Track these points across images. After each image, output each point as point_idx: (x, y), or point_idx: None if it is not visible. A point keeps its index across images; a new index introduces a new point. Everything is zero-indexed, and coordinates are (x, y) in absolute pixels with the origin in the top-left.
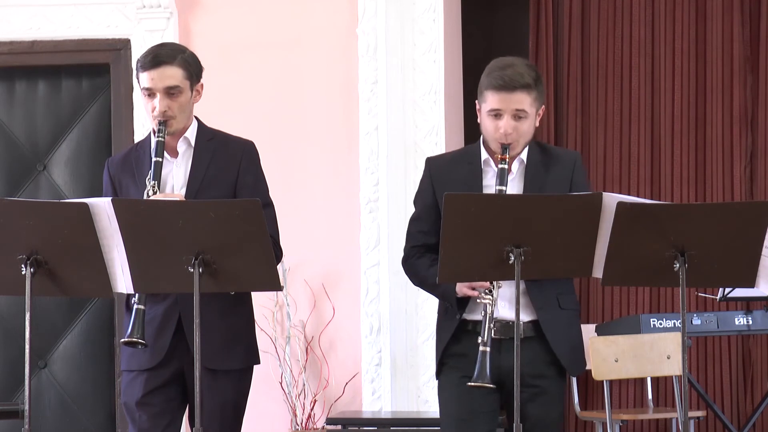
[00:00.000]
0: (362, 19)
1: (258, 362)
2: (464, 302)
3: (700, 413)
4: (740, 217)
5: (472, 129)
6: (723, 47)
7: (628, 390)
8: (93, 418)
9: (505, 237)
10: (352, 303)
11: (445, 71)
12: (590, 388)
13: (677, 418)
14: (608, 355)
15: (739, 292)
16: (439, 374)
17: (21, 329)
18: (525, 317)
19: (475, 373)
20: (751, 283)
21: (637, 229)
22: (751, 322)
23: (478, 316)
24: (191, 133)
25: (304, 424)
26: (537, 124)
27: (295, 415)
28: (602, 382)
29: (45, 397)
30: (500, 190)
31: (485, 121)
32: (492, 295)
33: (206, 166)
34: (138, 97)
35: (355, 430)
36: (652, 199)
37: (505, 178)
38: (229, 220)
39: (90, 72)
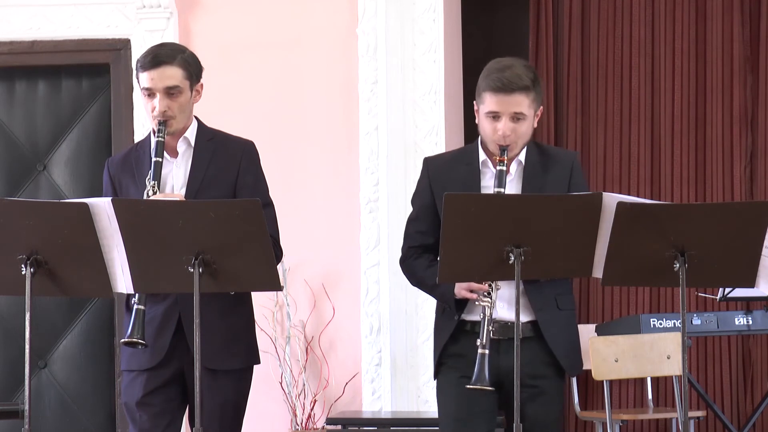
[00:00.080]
0: (362, 19)
1: (258, 362)
2: (462, 303)
3: (700, 413)
4: (740, 217)
5: (472, 129)
6: (723, 47)
7: (628, 390)
8: (93, 418)
9: (505, 237)
10: (352, 303)
11: (445, 71)
12: (590, 388)
13: (677, 418)
14: (608, 355)
15: (739, 292)
16: (437, 374)
17: (21, 329)
18: (524, 318)
19: (474, 375)
20: (751, 283)
21: (637, 229)
22: (751, 322)
23: (476, 317)
24: (191, 133)
25: (304, 424)
26: (535, 125)
27: (295, 415)
28: (602, 382)
29: (45, 397)
30: (498, 192)
31: (483, 123)
32: (491, 298)
33: (206, 166)
34: (138, 97)
35: (355, 430)
36: (652, 199)
37: (503, 180)
38: (229, 220)
39: (90, 72)
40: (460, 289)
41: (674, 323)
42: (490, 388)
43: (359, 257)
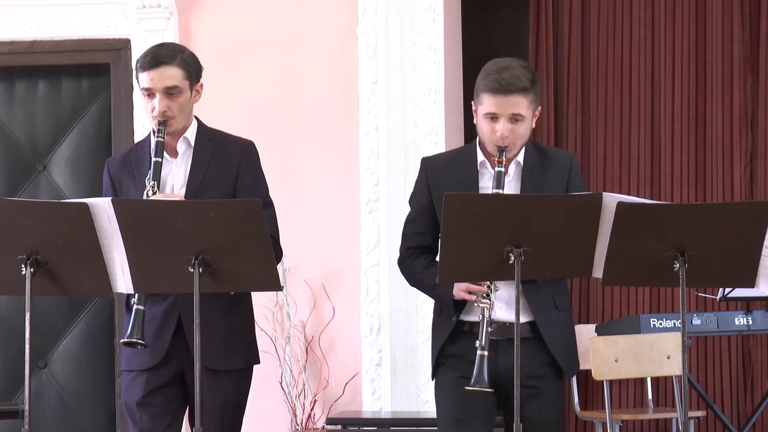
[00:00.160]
0: (362, 19)
1: (258, 362)
2: (461, 304)
3: (700, 413)
4: (740, 217)
5: (472, 129)
6: (723, 47)
7: (628, 390)
8: (93, 418)
9: (505, 237)
10: (352, 303)
11: (445, 71)
12: (590, 388)
13: (677, 418)
14: (608, 355)
15: (739, 292)
16: (435, 375)
17: (21, 329)
18: (522, 318)
19: (474, 377)
20: (751, 283)
21: (637, 229)
22: (751, 322)
23: (474, 317)
24: (191, 133)
25: (304, 424)
26: (533, 126)
27: (295, 415)
28: (602, 382)
29: (45, 397)
30: (493, 193)
31: (481, 124)
32: (489, 299)
33: (206, 166)
34: (138, 97)
35: (355, 430)
36: (652, 199)
37: (501, 181)
38: (229, 220)
39: (90, 72)
40: (459, 291)
41: (674, 323)
42: (489, 390)
43: (359, 257)
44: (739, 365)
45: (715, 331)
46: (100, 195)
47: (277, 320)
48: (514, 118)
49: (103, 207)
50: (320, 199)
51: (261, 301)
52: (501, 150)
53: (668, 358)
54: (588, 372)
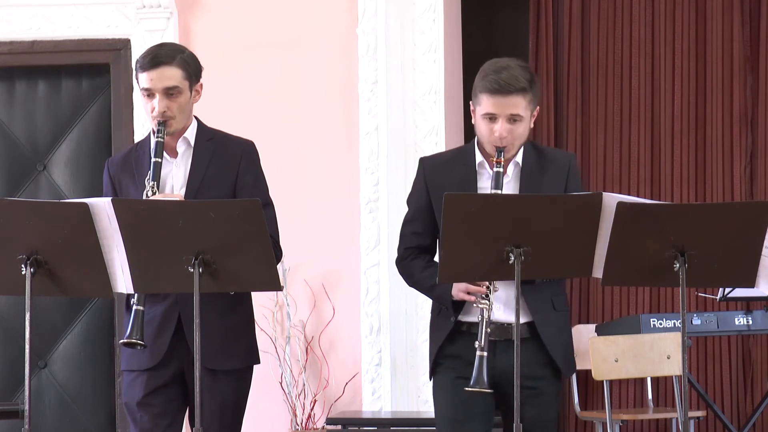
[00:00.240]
0: (362, 19)
1: (258, 362)
2: (459, 305)
3: (700, 413)
4: (740, 217)
5: (471, 129)
6: (723, 47)
7: (628, 390)
8: (93, 418)
9: (505, 237)
10: (352, 303)
11: (445, 71)
12: (590, 388)
13: (677, 418)
14: (608, 355)
15: (739, 292)
16: (433, 375)
17: (21, 329)
18: (521, 319)
19: (473, 378)
20: (751, 283)
21: (637, 229)
22: (751, 322)
23: (472, 318)
24: (191, 133)
25: (304, 424)
26: (532, 126)
27: (295, 415)
28: (602, 382)
29: (45, 397)
30: (494, 193)
31: (480, 124)
32: (488, 300)
33: (206, 166)
34: (138, 97)
35: (355, 430)
36: (652, 199)
37: (500, 182)
38: (229, 220)
39: (90, 72)
40: (458, 291)
41: (674, 323)
42: (489, 391)
43: (359, 257)
44: (739, 365)
45: (715, 331)
46: (100, 195)
47: (277, 320)
48: (513, 119)
49: (103, 207)
50: (320, 199)
51: (261, 301)
52: (499, 150)
53: (668, 358)
54: (588, 372)
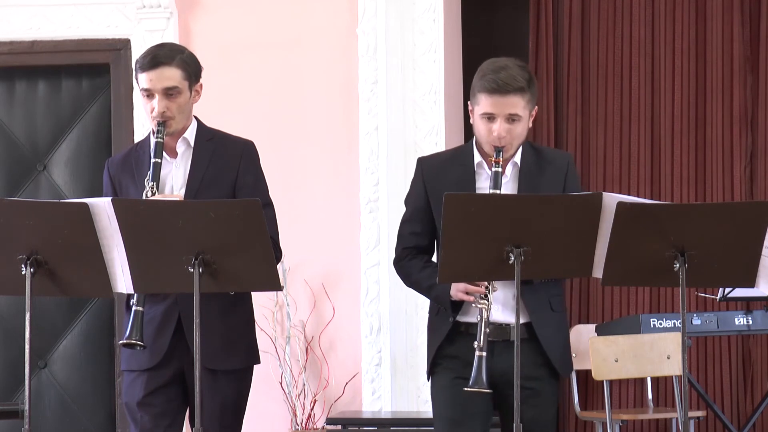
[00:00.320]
0: (362, 19)
1: (258, 362)
2: (458, 305)
3: (700, 413)
4: (740, 217)
5: (471, 129)
6: (723, 47)
7: (628, 390)
8: (93, 418)
9: (505, 237)
10: (352, 303)
11: (445, 71)
12: (590, 388)
13: (677, 418)
14: (608, 355)
15: (739, 292)
16: (431, 375)
17: (21, 329)
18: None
19: (472, 378)
20: (751, 283)
21: (637, 229)
22: (751, 322)
23: (471, 318)
24: (190, 133)
25: (304, 424)
26: (530, 125)
27: (295, 415)
28: (602, 382)
29: (45, 397)
30: (493, 193)
31: (478, 124)
32: (487, 300)
33: (205, 166)
34: (138, 97)
35: (355, 430)
36: (652, 199)
37: (499, 182)
38: (229, 220)
39: (90, 72)
40: (457, 291)
41: (674, 323)
42: (488, 391)
43: (359, 257)
44: (739, 365)
45: (715, 331)
46: (100, 195)
47: (277, 320)
48: (511, 118)
49: (103, 207)
50: (320, 199)
51: (261, 301)
52: (498, 150)
53: (668, 358)
54: (588, 372)
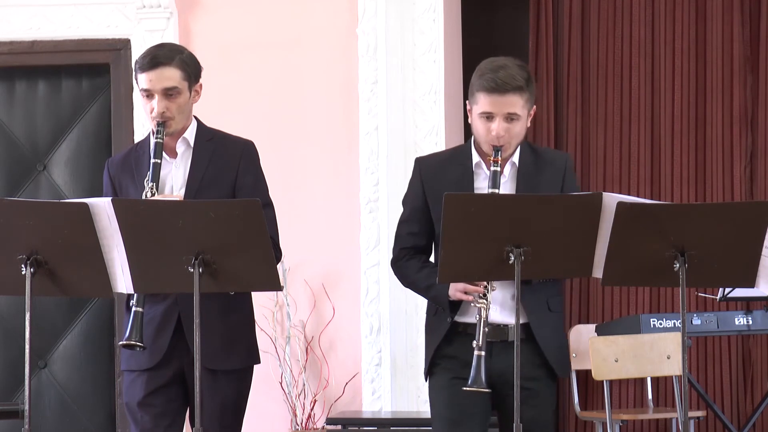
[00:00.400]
0: (362, 19)
1: (258, 362)
2: (456, 305)
3: (700, 413)
4: (740, 217)
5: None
6: (723, 47)
7: (628, 390)
8: (93, 418)
9: (505, 237)
10: (352, 303)
11: (445, 71)
12: (590, 388)
13: (677, 418)
14: (608, 355)
15: (739, 292)
16: (429, 376)
17: (21, 329)
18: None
19: (471, 377)
20: (751, 283)
21: (637, 229)
22: (751, 322)
23: (469, 318)
24: (190, 133)
25: (304, 424)
26: (528, 125)
27: (295, 415)
28: (602, 382)
29: (45, 397)
30: (493, 193)
31: (476, 123)
32: (486, 299)
33: (205, 167)
34: (138, 97)
35: (355, 430)
36: (652, 199)
37: (497, 181)
38: (229, 220)
39: (90, 72)
40: (455, 291)
41: (674, 323)
42: (487, 390)
43: (359, 257)
44: (739, 365)
45: (715, 331)
46: (100, 195)
47: (277, 320)
48: (510, 117)
49: (103, 207)
50: (320, 199)
51: (261, 301)
52: (497, 149)
53: (668, 358)
54: (588, 372)
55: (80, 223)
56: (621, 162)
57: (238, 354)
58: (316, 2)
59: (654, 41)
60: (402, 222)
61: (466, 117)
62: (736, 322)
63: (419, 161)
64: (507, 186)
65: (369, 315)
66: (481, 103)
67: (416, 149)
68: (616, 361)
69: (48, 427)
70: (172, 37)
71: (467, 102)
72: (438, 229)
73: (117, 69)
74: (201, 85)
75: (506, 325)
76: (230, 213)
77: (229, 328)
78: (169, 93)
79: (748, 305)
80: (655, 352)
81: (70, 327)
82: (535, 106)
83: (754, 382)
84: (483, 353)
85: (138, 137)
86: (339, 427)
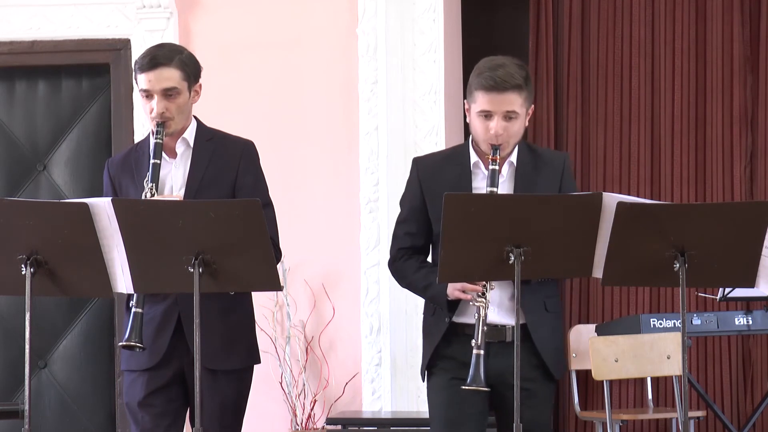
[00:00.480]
0: (362, 19)
1: (258, 362)
2: (454, 305)
3: (700, 413)
4: (740, 217)
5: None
6: (723, 47)
7: (628, 390)
8: (93, 418)
9: (504, 237)
10: (352, 303)
11: (445, 71)
12: (590, 388)
13: (677, 418)
14: (608, 355)
15: (739, 292)
16: (428, 376)
17: (21, 329)
18: (514, 320)
19: (470, 376)
20: (751, 283)
21: (637, 229)
22: (751, 322)
23: (467, 319)
24: (190, 133)
25: (304, 424)
26: (526, 124)
27: (295, 415)
28: (602, 382)
29: (45, 397)
30: (492, 192)
31: (475, 122)
32: (485, 298)
33: (205, 167)
34: (138, 98)
35: (355, 430)
36: (652, 199)
37: (496, 180)
38: (229, 220)
39: (90, 72)
40: (454, 290)
41: (674, 323)
42: (486, 389)
43: (359, 257)
44: (739, 365)
45: (715, 331)
46: (100, 195)
47: (277, 320)
48: (508, 116)
49: (103, 207)
50: (320, 199)
51: (261, 301)
52: (495, 148)
53: (668, 358)
54: (588, 372)
55: (80, 223)
56: (621, 162)
57: (238, 354)
58: (316, 2)
59: (654, 41)
60: (399, 222)
61: (466, 117)
62: (736, 322)
63: (417, 161)
64: (505, 186)
65: (369, 315)
66: (480, 101)
67: (416, 149)
68: (616, 361)
69: (48, 427)
70: (172, 37)
71: (465, 101)
72: (436, 229)
73: (117, 69)
74: (201, 85)
75: (504, 326)
76: (230, 213)
77: (229, 328)
78: (168, 93)
79: (748, 305)
80: (655, 352)
81: (70, 327)
82: (533, 105)
83: (754, 382)
84: (482, 352)
85: (138, 137)
86: (339, 427)
